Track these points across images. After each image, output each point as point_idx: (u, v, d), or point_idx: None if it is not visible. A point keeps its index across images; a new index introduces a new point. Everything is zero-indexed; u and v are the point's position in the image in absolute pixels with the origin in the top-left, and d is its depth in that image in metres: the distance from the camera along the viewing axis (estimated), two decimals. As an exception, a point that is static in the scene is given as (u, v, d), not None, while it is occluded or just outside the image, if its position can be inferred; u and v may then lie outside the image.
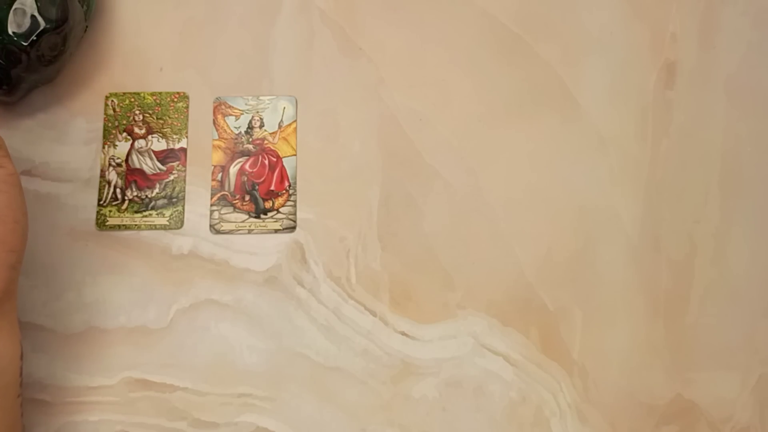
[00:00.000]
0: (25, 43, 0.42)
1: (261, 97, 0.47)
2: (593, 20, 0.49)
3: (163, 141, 0.47)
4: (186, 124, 0.47)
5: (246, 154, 0.47)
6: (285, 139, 0.47)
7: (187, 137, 0.47)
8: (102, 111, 0.47)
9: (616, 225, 0.46)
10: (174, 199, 0.46)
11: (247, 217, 0.46)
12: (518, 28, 0.48)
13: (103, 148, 0.46)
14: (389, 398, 0.44)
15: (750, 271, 0.46)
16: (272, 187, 0.46)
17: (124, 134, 0.47)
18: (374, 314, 0.45)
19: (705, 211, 0.46)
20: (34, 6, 0.42)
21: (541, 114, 0.48)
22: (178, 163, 0.46)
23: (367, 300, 0.45)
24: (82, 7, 0.45)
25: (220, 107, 0.47)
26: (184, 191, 0.46)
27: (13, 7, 0.41)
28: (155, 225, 0.45)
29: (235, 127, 0.47)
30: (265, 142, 0.47)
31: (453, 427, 0.44)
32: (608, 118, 0.47)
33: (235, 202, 0.46)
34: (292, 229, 0.46)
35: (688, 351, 0.45)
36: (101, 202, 0.46)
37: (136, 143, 0.46)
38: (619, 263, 0.46)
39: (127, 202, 0.46)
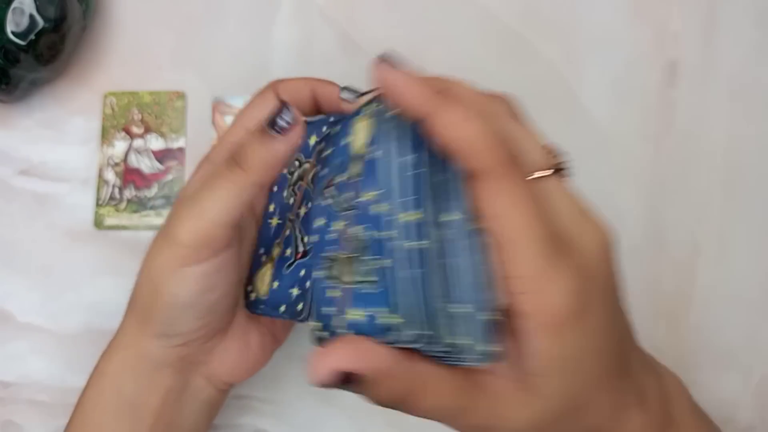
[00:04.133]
0: (23, 43, 0.42)
1: (260, 97, 0.47)
2: (595, 19, 0.48)
3: (162, 140, 0.46)
4: (184, 124, 0.47)
5: (245, 153, 0.46)
6: (284, 138, 0.47)
7: (185, 137, 0.46)
8: (100, 110, 0.47)
9: (618, 224, 0.46)
10: (172, 200, 0.46)
11: (246, 217, 0.45)
12: (520, 27, 0.48)
13: (101, 147, 0.46)
14: (389, 399, 0.44)
15: (753, 271, 0.45)
16: (271, 187, 0.46)
17: (122, 134, 0.46)
18: (374, 315, 0.45)
19: (708, 210, 0.46)
20: (33, 5, 0.42)
21: (543, 113, 0.47)
22: (176, 162, 0.46)
23: (367, 300, 0.45)
24: (81, 6, 0.45)
25: (218, 106, 0.47)
26: (183, 191, 0.46)
27: (12, 6, 0.41)
28: (153, 225, 0.45)
29: (234, 127, 0.47)
30: (265, 141, 0.46)
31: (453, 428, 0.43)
32: (611, 117, 0.47)
33: (234, 201, 0.46)
34: (292, 229, 0.45)
35: (690, 352, 0.44)
36: (99, 202, 0.45)
37: (134, 143, 0.46)
38: (622, 263, 0.46)
39: (125, 202, 0.45)
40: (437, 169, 0.25)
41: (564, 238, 0.25)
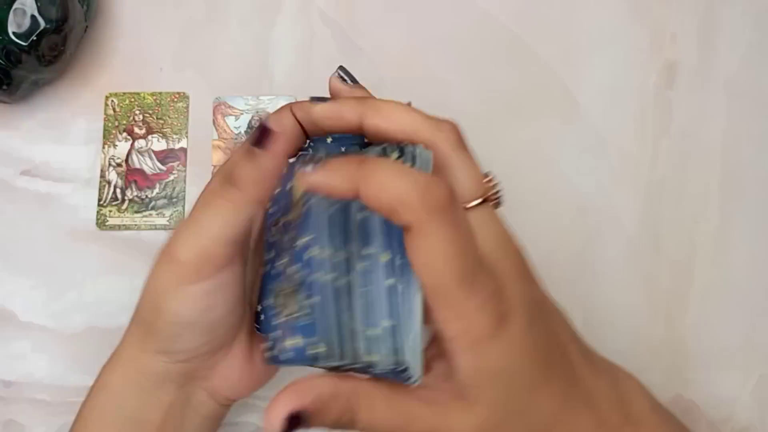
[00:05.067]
0: (25, 43, 0.42)
1: (261, 97, 0.47)
2: (593, 20, 0.49)
3: (163, 141, 0.47)
4: (186, 124, 0.47)
5: (246, 154, 0.47)
6: (285, 139, 0.47)
7: (187, 137, 0.47)
8: (102, 111, 0.47)
9: (615, 225, 0.46)
10: (174, 199, 0.46)
11: (247, 217, 0.46)
12: (518, 28, 0.48)
13: (103, 148, 0.46)
14: (389, 398, 0.44)
15: (750, 271, 0.46)
16: (272, 187, 0.46)
17: (124, 134, 0.47)
18: (374, 314, 0.45)
19: (705, 211, 0.46)
20: (34, 6, 0.42)
21: (540, 114, 0.48)
22: (178, 163, 0.46)
23: (367, 300, 0.45)
24: (82, 7, 0.45)
25: (219, 107, 0.47)
26: (185, 191, 0.46)
27: (13, 7, 0.41)
28: (155, 225, 0.45)
29: (235, 127, 0.47)
30: (265, 142, 0.47)
31: None
32: (608, 118, 0.47)
33: (235, 202, 0.46)
34: (292, 229, 0.46)
35: (687, 351, 0.45)
36: (101, 202, 0.46)
37: (136, 143, 0.46)
38: (619, 263, 0.46)
39: (127, 202, 0.46)
40: (359, 207, 0.28)
41: (486, 263, 0.27)
